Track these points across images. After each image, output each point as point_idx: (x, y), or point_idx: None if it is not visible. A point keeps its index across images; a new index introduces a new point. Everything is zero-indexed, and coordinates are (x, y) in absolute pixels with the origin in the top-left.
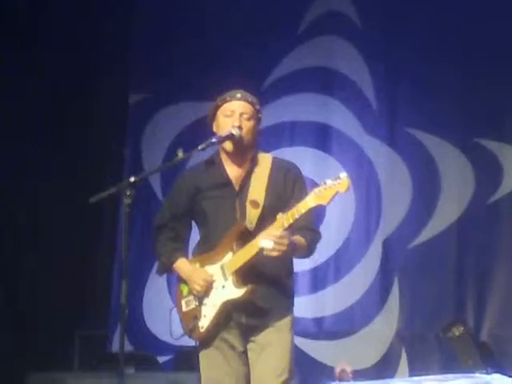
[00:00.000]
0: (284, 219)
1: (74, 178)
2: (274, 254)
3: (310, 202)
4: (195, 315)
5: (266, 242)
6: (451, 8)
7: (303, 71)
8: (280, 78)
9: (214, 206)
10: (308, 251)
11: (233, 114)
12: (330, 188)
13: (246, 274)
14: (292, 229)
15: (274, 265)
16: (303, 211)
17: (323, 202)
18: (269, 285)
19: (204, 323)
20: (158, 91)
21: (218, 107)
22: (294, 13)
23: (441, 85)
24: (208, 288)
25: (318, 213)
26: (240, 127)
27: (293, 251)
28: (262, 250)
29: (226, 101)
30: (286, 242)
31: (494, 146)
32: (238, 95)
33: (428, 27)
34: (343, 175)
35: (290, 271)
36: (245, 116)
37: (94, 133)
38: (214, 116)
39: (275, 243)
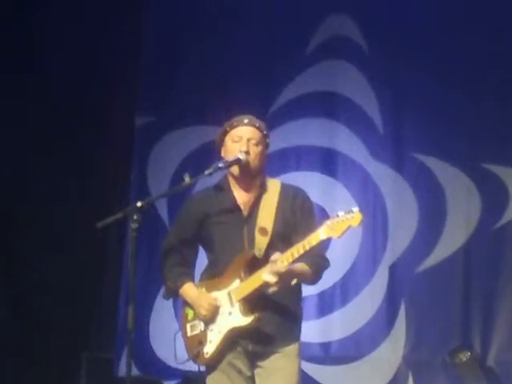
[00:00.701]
0: (294, 250)
1: (81, 203)
2: (276, 289)
3: (321, 234)
4: (200, 340)
5: (270, 277)
6: (458, 32)
7: (309, 96)
8: (286, 103)
9: (221, 231)
10: (314, 279)
11: (240, 140)
12: (343, 222)
13: (254, 301)
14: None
15: (283, 292)
16: (314, 243)
17: (335, 235)
18: (277, 312)
19: (209, 349)
20: (165, 115)
21: (226, 133)
22: (300, 38)
23: (447, 110)
24: (214, 313)
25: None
26: (248, 152)
27: (297, 281)
28: (265, 283)
29: (233, 126)
30: (289, 278)
31: (501, 170)
32: (246, 120)
33: (435, 52)
34: (356, 209)
35: (298, 298)
36: (252, 141)
37: (100, 157)
38: (222, 142)
39: (278, 280)
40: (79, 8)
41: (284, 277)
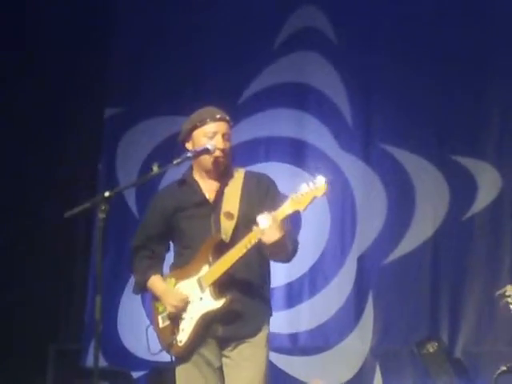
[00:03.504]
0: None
1: (49, 194)
2: (268, 237)
3: (287, 208)
4: (172, 330)
5: (264, 219)
6: (426, 24)
7: (278, 87)
8: (255, 93)
9: (190, 224)
10: (292, 253)
11: (215, 135)
12: (307, 194)
13: (224, 284)
14: None
15: (252, 274)
16: (281, 217)
17: (300, 208)
18: (246, 293)
19: (183, 337)
20: (133, 106)
21: (195, 128)
22: (270, 29)
23: (416, 101)
24: (182, 309)
25: (294, 224)
26: (223, 150)
27: (285, 243)
28: (259, 227)
29: (205, 122)
30: (282, 228)
31: (469, 162)
32: (218, 116)
33: (404, 44)
34: (320, 178)
35: (267, 282)
36: (226, 137)
37: (69, 147)
38: (189, 135)
39: (273, 223)
40: (49, 1)
41: (278, 223)
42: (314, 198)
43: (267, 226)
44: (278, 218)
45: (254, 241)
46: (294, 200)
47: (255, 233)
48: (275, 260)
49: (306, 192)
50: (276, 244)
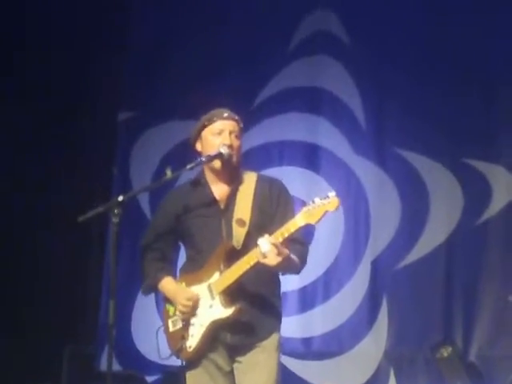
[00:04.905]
0: (278, 235)
1: (63, 197)
2: (268, 260)
3: (299, 221)
4: (182, 335)
5: (265, 243)
6: (440, 29)
7: (292, 91)
8: (269, 97)
9: (199, 225)
10: (300, 266)
11: (222, 133)
12: (319, 207)
13: (234, 293)
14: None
15: (262, 283)
16: (292, 230)
17: (312, 221)
18: (255, 303)
19: (192, 343)
20: (147, 110)
21: (204, 127)
22: (283, 33)
23: (430, 105)
24: (193, 307)
25: (307, 231)
26: (231, 146)
27: (287, 264)
28: (259, 250)
29: (213, 120)
30: (284, 251)
31: (483, 166)
32: (225, 114)
33: (418, 48)
34: (332, 194)
35: (277, 290)
36: (233, 135)
37: (83, 151)
38: (198, 135)
39: (273, 248)
40: (62, 4)
41: (278, 248)
42: (326, 212)
43: (268, 251)
44: (286, 234)
45: (252, 262)
46: (307, 213)
47: (255, 254)
48: (283, 274)
49: (318, 206)
50: (277, 267)
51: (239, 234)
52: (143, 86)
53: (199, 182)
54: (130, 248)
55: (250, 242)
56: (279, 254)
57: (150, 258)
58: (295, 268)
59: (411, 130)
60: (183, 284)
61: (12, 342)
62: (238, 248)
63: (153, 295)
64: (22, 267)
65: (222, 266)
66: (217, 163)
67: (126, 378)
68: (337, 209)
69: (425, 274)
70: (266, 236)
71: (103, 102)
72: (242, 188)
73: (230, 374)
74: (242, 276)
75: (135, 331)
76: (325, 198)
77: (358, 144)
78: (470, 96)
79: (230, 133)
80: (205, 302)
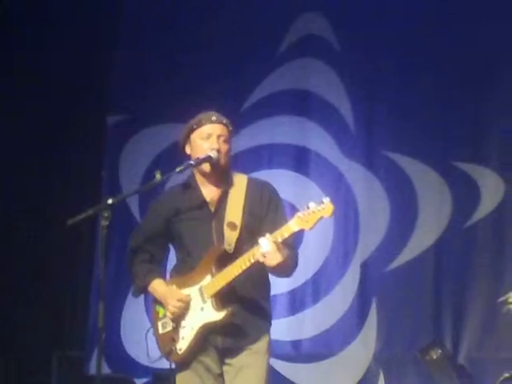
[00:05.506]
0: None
1: (52, 200)
2: (268, 260)
3: (293, 226)
4: (172, 337)
5: (266, 243)
6: (428, 31)
7: (281, 94)
8: (258, 100)
9: (190, 228)
10: (292, 270)
11: (210, 137)
12: (314, 213)
13: (225, 296)
14: None
15: (252, 286)
16: (286, 235)
17: (306, 227)
18: (246, 306)
19: (182, 345)
20: (136, 113)
21: (192, 130)
22: (273, 36)
23: (418, 108)
24: (184, 309)
25: (296, 234)
26: (218, 150)
27: (285, 265)
28: (259, 250)
29: (201, 124)
30: (285, 252)
31: (472, 169)
32: (214, 118)
33: (406, 51)
34: (326, 200)
35: (267, 293)
36: (222, 138)
37: (72, 154)
38: (187, 139)
39: (274, 248)
40: (51, 8)
41: (280, 249)
42: (321, 217)
43: (268, 250)
44: (280, 239)
45: (252, 260)
46: (301, 218)
47: (255, 253)
48: (276, 276)
49: (313, 211)
50: (277, 267)
51: (231, 237)
52: (132, 90)
53: (190, 185)
54: (119, 251)
55: (241, 246)
56: (280, 254)
57: (140, 260)
58: (289, 270)
59: (400, 133)
60: (174, 286)
61: (2, 349)
62: (230, 252)
63: (142, 298)
64: (12, 274)
65: (213, 269)
66: (206, 166)
67: (115, 382)
68: (331, 215)
69: (414, 276)
70: (267, 235)
71: (92, 105)
72: (232, 191)
73: (220, 377)
74: (234, 279)
75: (124, 334)
76: (319, 204)
77: (347, 147)
78: (460, 99)
79: (219, 137)
80: (196, 304)
